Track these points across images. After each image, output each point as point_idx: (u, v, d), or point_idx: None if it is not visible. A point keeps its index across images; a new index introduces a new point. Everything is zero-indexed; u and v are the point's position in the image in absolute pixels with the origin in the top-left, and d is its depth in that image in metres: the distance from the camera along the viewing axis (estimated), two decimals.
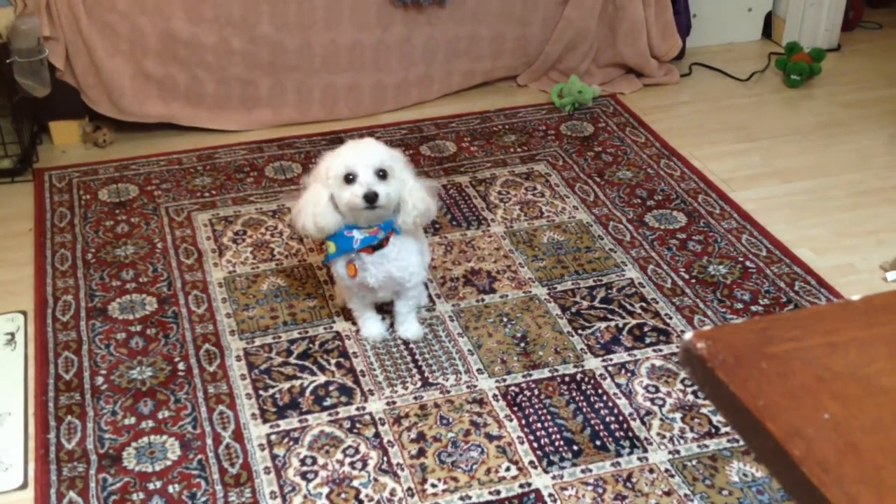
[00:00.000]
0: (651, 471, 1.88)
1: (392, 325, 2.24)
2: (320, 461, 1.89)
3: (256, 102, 3.13)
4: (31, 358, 2.17)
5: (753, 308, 2.32)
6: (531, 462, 1.90)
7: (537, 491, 1.83)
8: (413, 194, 2.02)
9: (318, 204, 2.00)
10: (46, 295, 2.36)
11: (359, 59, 3.16)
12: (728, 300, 2.35)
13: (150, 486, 1.84)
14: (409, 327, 2.21)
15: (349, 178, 1.96)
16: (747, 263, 2.48)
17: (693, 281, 2.42)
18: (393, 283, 2.11)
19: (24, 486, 1.86)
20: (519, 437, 1.95)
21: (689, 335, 0.70)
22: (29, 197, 2.77)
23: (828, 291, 2.37)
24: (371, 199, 1.93)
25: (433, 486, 1.84)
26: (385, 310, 2.27)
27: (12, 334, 2.25)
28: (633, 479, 1.86)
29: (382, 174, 1.97)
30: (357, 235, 2.01)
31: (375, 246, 2.04)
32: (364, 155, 1.98)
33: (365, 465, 1.89)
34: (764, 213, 2.69)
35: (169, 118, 3.06)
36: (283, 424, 1.98)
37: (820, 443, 0.60)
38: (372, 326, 2.21)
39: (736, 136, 3.14)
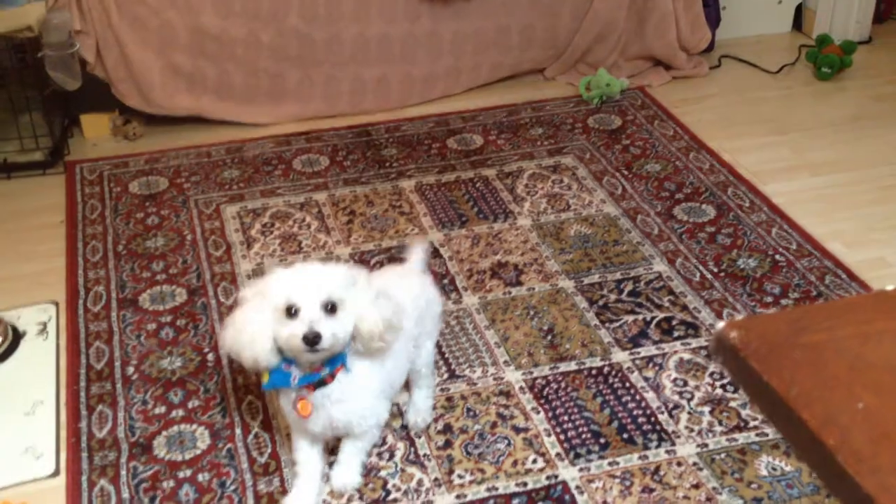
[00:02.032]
0: (679, 464, 1.87)
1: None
2: None
3: (284, 96, 3.14)
4: (63, 348, 2.20)
5: (783, 302, 2.31)
6: (558, 454, 1.90)
7: (564, 483, 1.83)
8: (366, 320, 1.66)
9: (255, 337, 1.65)
10: (78, 286, 2.39)
11: (387, 51, 3.16)
12: (758, 294, 2.33)
13: (180, 475, 1.86)
14: (344, 474, 1.81)
15: (291, 312, 1.62)
16: (777, 257, 2.46)
17: (722, 274, 2.40)
18: (337, 431, 1.78)
19: (55, 473, 1.89)
20: (546, 430, 1.95)
21: (721, 324, 0.70)
22: (60, 189, 2.80)
23: (858, 285, 2.35)
24: (312, 341, 1.59)
25: (460, 476, 1.85)
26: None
27: (44, 324, 2.27)
28: (661, 472, 1.85)
29: (331, 308, 1.62)
30: (295, 372, 1.68)
31: (317, 383, 1.69)
32: (310, 285, 1.63)
33: (392, 455, 1.90)
34: (794, 206, 2.67)
35: (198, 111, 3.08)
36: None
37: (854, 432, 0.60)
38: (298, 495, 1.78)
39: (766, 128, 3.12)
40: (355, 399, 1.73)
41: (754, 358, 0.66)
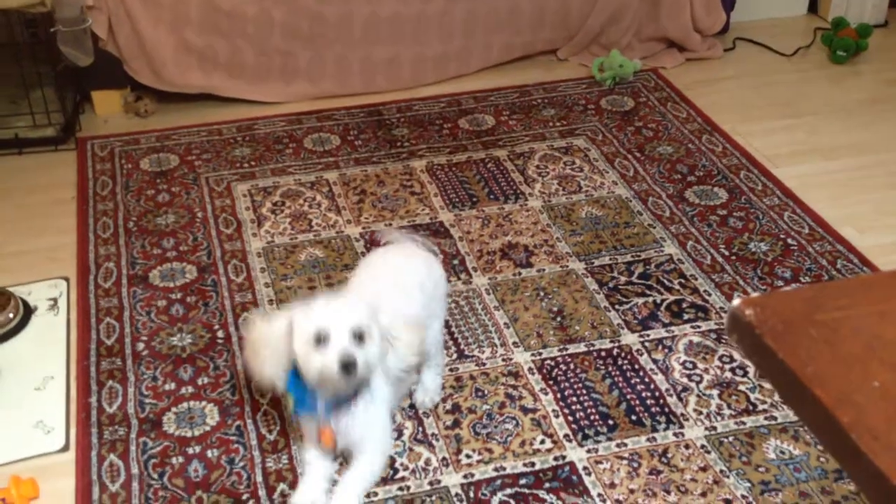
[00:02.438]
0: (687, 446, 1.87)
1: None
2: None
3: (296, 74, 3.13)
4: (74, 323, 2.21)
5: (794, 286, 2.30)
6: (566, 435, 1.90)
7: (572, 464, 1.83)
8: (401, 338, 1.71)
9: (272, 362, 1.68)
10: (89, 262, 2.39)
11: (399, 31, 3.15)
12: (769, 277, 2.32)
13: (190, 451, 1.87)
14: (345, 499, 1.74)
15: (320, 340, 1.62)
16: (789, 241, 2.45)
17: (733, 258, 2.39)
18: (347, 446, 1.78)
19: (65, 448, 1.90)
20: (554, 411, 1.95)
21: (736, 301, 0.70)
22: (72, 165, 2.80)
23: (870, 270, 2.34)
24: (348, 367, 1.60)
25: (468, 456, 1.85)
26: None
27: (55, 300, 2.28)
28: (669, 455, 1.85)
29: (360, 337, 1.64)
30: (321, 404, 1.70)
31: (343, 405, 1.72)
32: (339, 313, 1.64)
33: (400, 434, 1.90)
34: (807, 190, 2.65)
35: (209, 89, 3.07)
36: None
37: (870, 410, 0.59)
38: (305, 490, 1.76)
39: (780, 112, 3.09)
40: (368, 413, 1.74)
41: (769, 336, 0.65)
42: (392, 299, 1.79)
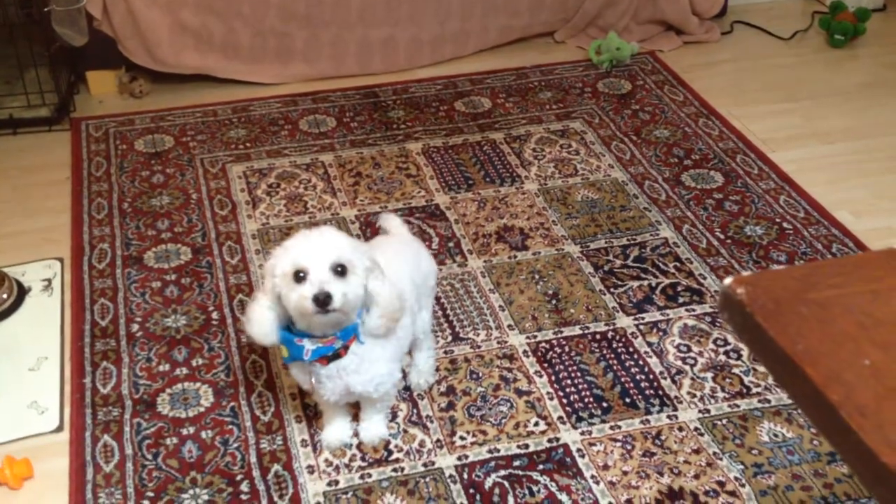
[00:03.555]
0: (680, 429, 1.87)
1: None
2: None
3: (292, 55, 3.12)
4: (68, 304, 2.20)
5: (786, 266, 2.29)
6: (560, 417, 1.90)
7: (565, 446, 1.84)
8: (381, 292, 1.63)
9: (256, 317, 1.64)
10: (83, 242, 2.38)
11: (394, 13, 3.13)
12: (764, 261, 2.32)
13: (184, 432, 1.87)
14: (372, 429, 1.84)
15: (299, 277, 1.57)
16: (784, 224, 2.45)
17: (728, 241, 2.39)
18: (353, 397, 1.76)
19: (59, 428, 1.90)
20: (548, 393, 1.95)
21: (728, 280, 0.69)
22: (66, 146, 2.79)
23: None
24: (323, 301, 1.53)
25: (462, 438, 1.85)
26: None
27: (49, 280, 2.28)
28: (662, 437, 1.85)
29: (340, 270, 1.57)
30: (308, 346, 1.63)
31: (331, 356, 1.65)
32: (317, 248, 1.58)
33: (395, 416, 1.90)
34: (803, 174, 2.65)
35: (205, 70, 3.06)
36: None
37: (860, 388, 0.59)
38: (332, 431, 1.84)
39: (777, 95, 3.09)
40: (371, 368, 1.69)
41: (760, 314, 0.65)
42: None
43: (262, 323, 1.63)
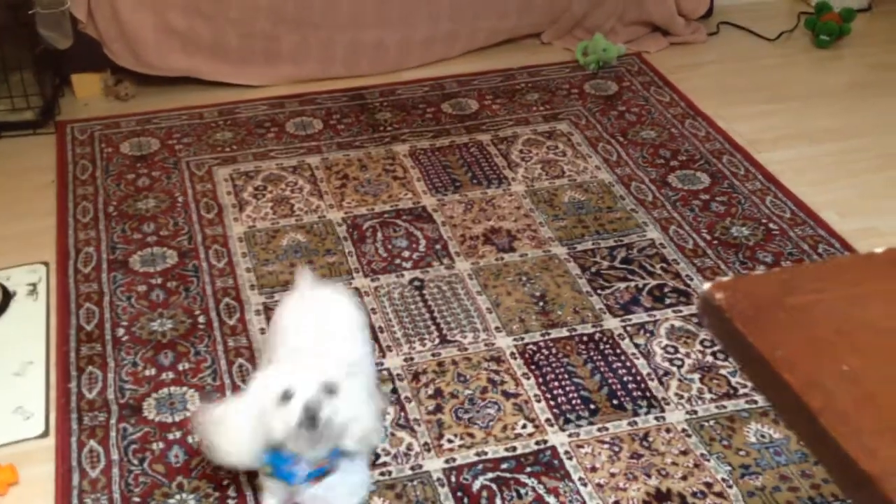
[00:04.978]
0: (668, 430, 1.88)
1: None
2: None
3: (279, 57, 3.11)
4: (53, 308, 2.19)
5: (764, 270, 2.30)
6: (547, 420, 1.90)
7: (553, 448, 1.84)
8: (361, 420, 1.53)
9: (232, 424, 1.53)
10: (68, 246, 2.37)
11: (385, 15, 3.12)
12: (750, 262, 2.33)
13: (170, 437, 1.86)
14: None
15: (286, 397, 1.47)
16: (770, 225, 2.46)
17: (715, 242, 2.39)
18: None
19: (45, 434, 1.89)
20: (536, 395, 1.95)
21: (707, 285, 0.69)
22: (51, 149, 2.78)
23: (851, 254, 2.34)
24: (311, 415, 1.44)
25: (449, 441, 1.85)
26: None
27: (34, 285, 2.26)
28: (650, 439, 1.86)
29: (331, 391, 1.49)
30: (299, 472, 1.54)
31: (324, 475, 1.56)
32: (308, 370, 1.50)
33: (382, 419, 1.89)
34: (789, 174, 2.66)
35: (191, 72, 3.05)
36: None
37: (839, 394, 0.59)
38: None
39: (763, 96, 3.09)
40: (350, 479, 1.61)
41: (739, 319, 0.65)
42: (339, 344, 1.70)
43: (238, 432, 1.51)
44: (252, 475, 1.76)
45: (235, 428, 1.52)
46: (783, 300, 0.66)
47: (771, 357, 0.61)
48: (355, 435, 1.53)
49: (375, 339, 2.09)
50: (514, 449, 1.83)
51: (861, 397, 0.59)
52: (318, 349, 1.64)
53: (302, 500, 1.59)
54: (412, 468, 1.79)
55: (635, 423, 1.89)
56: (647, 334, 2.11)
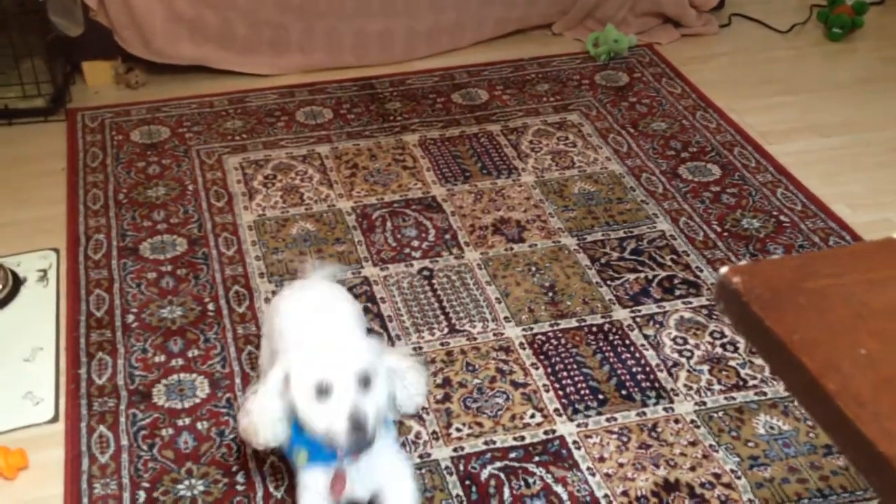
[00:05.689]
0: (676, 421, 1.87)
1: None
2: None
3: (287, 47, 3.11)
4: (63, 295, 2.19)
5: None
6: (556, 410, 1.90)
7: (562, 438, 1.83)
8: (409, 378, 1.53)
9: (261, 408, 1.50)
10: (78, 233, 2.38)
11: (390, 4, 3.12)
12: (761, 254, 2.32)
13: (179, 423, 1.86)
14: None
15: (322, 391, 1.43)
16: (781, 218, 2.45)
17: (725, 234, 2.39)
18: (379, 489, 1.60)
19: (55, 419, 1.89)
20: (544, 385, 1.95)
21: (724, 269, 0.69)
22: (61, 136, 2.78)
23: None
24: (360, 424, 1.40)
25: (458, 430, 1.85)
26: None
27: (44, 271, 2.27)
28: (658, 429, 1.85)
29: (366, 382, 1.45)
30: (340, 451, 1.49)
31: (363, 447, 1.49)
32: (343, 360, 1.45)
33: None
34: (800, 167, 2.65)
35: (200, 60, 3.05)
36: None
37: (856, 378, 0.59)
38: None
39: (774, 89, 3.08)
40: (386, 451, 1.58)
41: (756, 303, 0.65)
42: (349, 330, 1.71)
43: (269, 415, 1.48)
44: (260, 462, 1.77)
45: (266, 407, 1.49)
46: (801, 284, 0.66)
47: (788, 340, 0.61)
48: (405, 405, 1.54)
49: (384, 328, 2.09)
50: (523, 438, 1.83)
51: (879, 381, 0.59)
52: (331, 337, 1.61)
53: (345, 477, 1.53)
54: (420, 456, 1.79)
55: (644, 413, 1.89)
56: (657, 325, 2.10)
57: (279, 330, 1.74)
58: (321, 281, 1.92)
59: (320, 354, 1.48)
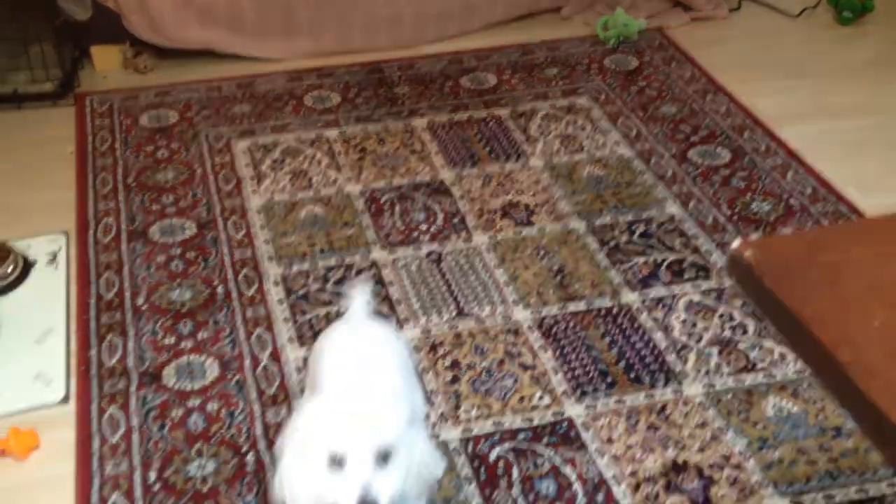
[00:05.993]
0: (685, 403, 1.87)
1: None
2: None
3: (296, 31, 3.10)
4: (73, 277, 2.20)
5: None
6: (564, 392, 1.90)
7: (570, 420, 1.84)
8: (422, 462, 1.35)
9: (296, 478, 1.33)
10: (88, 217, 2.38)
11: None
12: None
13: (190, 404, 1.87)
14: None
15: (336, 461, 1.27)
16: (791, 201, 2.44)
17: (735, 218, 2.38)
18: None
19: (65, 400, 1.90)
20: (553, 368, 1.95)
21: (736, 244, 0.69)
22: (70, 120, 2.79)
23: None
24: None
25: (466, 412, 1.85)
26: None
27: (54, 254, 2.28)
28: (667, 411, 1.85)
29: (385, 457, 1.27)
30: None
31: None
32: (361, 432, 1.27)
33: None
34: (810, 150, 2.63)
35: (208, 45, 3.05)
36: None
37: (869, 349, 0.59)
38: None
39: (784, 72, 3.07)
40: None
41: (769, 277, 0.65)
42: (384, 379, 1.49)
43: (307, 485, 1.31)
44: (270, 443, 1.78)
45: (300, 476, 1.33)
46: (813, 258, 0.66)
47: (801, 313, 0.61)
48: (414, 488, 1.35)
49: (392, 310, 2.09)
50: (531, 420, 1.84)
51: (892, 352, 0.59)
52: (362, 386, 1.40)
53: None
54: (430, 437, 1.80)
55: (652, 395, 1.89)
56: (666, 309, 2.10)
57: (320, 375, 1.55)
58: (367, 322, 1.71)
59: (337, 424, 1.30)
